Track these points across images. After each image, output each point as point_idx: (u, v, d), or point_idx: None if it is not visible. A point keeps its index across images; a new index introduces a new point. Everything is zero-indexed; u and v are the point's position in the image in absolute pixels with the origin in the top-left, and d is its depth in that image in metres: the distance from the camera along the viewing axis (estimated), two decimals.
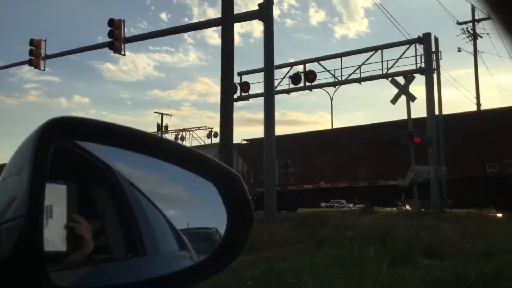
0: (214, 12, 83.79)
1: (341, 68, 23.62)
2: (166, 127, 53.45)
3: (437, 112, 21.51)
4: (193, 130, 49.49)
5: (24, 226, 0.71)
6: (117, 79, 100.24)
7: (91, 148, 0.96)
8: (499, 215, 16.84)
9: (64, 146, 0.89)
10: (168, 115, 57.68)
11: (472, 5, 33.08)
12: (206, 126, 48.90)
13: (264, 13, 16.19)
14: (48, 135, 0.77)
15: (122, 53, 20.63)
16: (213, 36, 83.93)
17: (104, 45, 21.30)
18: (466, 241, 7.60)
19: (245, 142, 32.09)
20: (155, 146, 0.95)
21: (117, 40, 20.15)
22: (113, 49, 20.32)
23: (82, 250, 0.88)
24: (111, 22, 20.06)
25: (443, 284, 4.58)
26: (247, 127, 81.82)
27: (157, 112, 55.27)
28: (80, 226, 0.88)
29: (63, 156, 0.91)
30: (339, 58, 23.82)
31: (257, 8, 16.61)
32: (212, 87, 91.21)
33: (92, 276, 0.91)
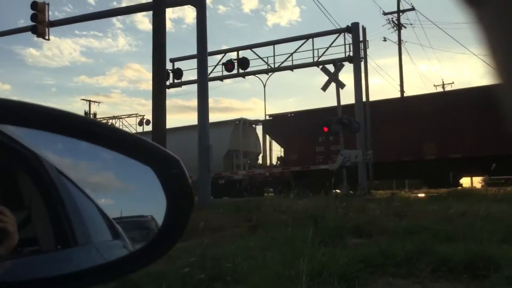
0: None
1: (274, 56, 23.94)
2: (94, 114, 51.52)
3: (364, 99, 22.40)
4: (123, 118, 47.88)
5: None
6: (40, 65, 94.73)
7: (14, 133, 0.91)
8: (421, 195, 17.94)
9: None
10: (96, 102, 55.69)
11: None
12: (137, 114, 47.53)
13: None
14: None
15: (47, 37, 19.58)
16: (143, 21, 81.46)
17: (26, 29, 20.09)
18: (391, 220, 8.05)
19: (269, 118, 28.37)
20: (87, 129, 0.91)
21: (40, 23, 19.06)
22: (37, 33, 19.21)
23: (6, 244, 0.83)
24: (35, 5, 18.92)
25: (371, 261, 4.83)
26: (180, 114, 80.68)
27: (84, 99, 53.05)
28: (4, 218, 0.83)
29: None
30: (272, 46, 24.11)
31: None
32: (143, 73, 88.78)
33: (20, 269, 0.87)
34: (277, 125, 27.09)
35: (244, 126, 28.54)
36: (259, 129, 29.74)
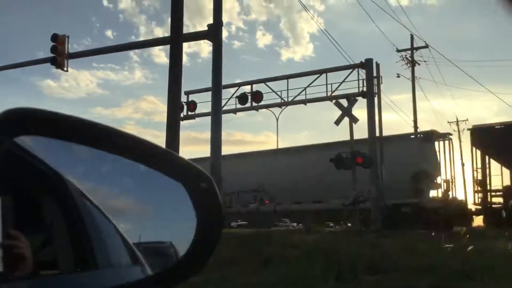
0: (162, 32, 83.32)
1: (287, 90, 24.13)
2: None
3: (377, 134, 22.34)
4: None
5: None
6: (57, 96, 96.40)
7: (39, 153, 0.91)
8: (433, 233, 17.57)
9: (8, 149, 0.82)
10: None
11: (411, 34, 34.97)
12: None
13: (213, 34, 16.29)
14: (3, 131, 0.69)
15: (65, 69, 20.03)
16: (160, 55, 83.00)
17: (46, 61, 20.60)
18: (406, 257, 7.86)
19: (475, 129, 21.58)
20: (123, 143, 0.89)
21: (60, 55, 19.54)
22: (56, 65, 19.68)
23: (21, 269, 0.81)
24: (55, 38, 19.46)
25: None
26: (193, 146, 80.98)
27: None
28: (19, 243, 0.80)
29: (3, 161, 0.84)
30: (286, 80, 24.33)
31: (205, 29, 16.72)
32: (158, 106, 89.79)
33: (42, 286, 0.85)
34: (494, 136, 20.31)
35: (433, 140, 22.35)
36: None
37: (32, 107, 0.75)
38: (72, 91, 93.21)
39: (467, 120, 43.74)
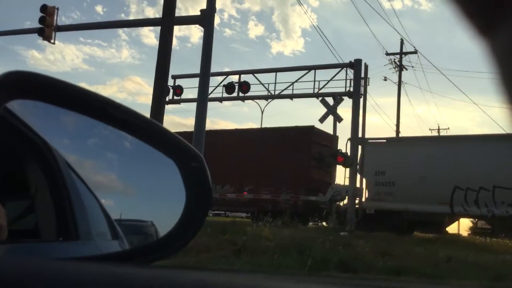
0: (153, 12, 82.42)
1: (275, 83, 24.13)
2: None
3: (360, 135, 22.56)
4: None
5: None
6: (41, 68, 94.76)
7: (29, 120, 0.90)
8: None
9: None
10: None
11: (401, 38, 35.22)
12: None
13: (205, 20, 16.17)
14: (1, 93, 0.69)
15: (52, 41, 19.64)
16: (149, 35, 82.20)
17: (33, 31, 20.19)
18: (378, 258, 7.99)
19: None
20: (120, 116, 0.89)
21: (48, 27, 19.17)
22: (43, 36, 19.30)
23: None
24: (44, 8, 19.07)
25: None
26: (176, 131, 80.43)
27: None
28: None
29: None
30: (274, 73, 24.34)
31: (197, 13, 16.60)
32: (144, 87, 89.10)
33: (21, 252, 0.85)
34: None
35: None
36: None
37: (29, 71, 0.75)
38: (57, 64, 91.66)
39: (448, 128, 44.54)
